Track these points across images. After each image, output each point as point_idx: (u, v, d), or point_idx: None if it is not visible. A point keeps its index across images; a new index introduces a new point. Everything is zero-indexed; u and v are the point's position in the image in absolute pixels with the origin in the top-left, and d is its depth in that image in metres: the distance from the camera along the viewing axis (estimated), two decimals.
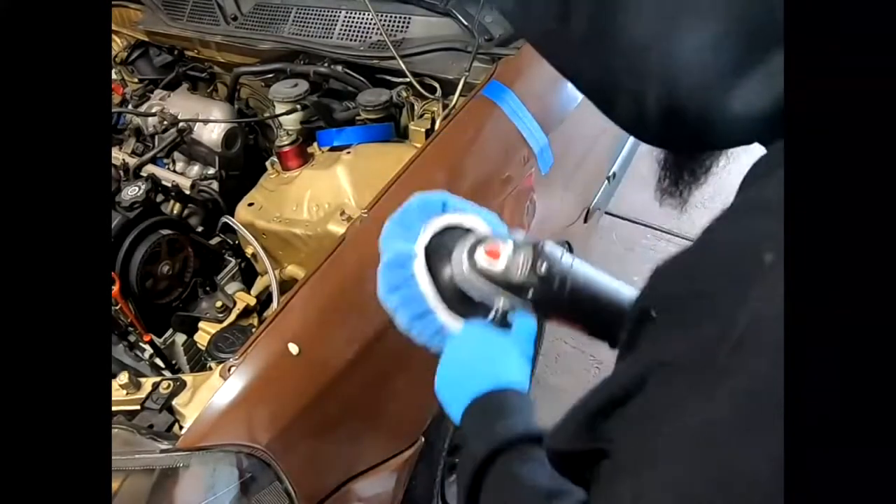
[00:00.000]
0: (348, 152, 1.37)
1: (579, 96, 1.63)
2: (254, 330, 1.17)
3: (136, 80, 1.97)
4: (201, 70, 1.90)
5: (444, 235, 0.83)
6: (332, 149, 1.44)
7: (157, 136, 1.69)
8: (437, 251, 0.81)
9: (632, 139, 2.14)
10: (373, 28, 1.61)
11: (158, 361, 1.43)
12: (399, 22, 1.60)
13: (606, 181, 1.95)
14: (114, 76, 2.05)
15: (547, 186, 1.53)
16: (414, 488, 1.28)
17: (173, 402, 1.06)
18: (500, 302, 0.77)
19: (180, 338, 1.43)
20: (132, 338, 1.46)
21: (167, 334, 1.42)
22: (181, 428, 1.04)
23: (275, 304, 1.22)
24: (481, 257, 0.76)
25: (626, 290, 0.87)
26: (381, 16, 1.59)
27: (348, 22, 1.64)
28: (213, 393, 1.01)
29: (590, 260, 0.85)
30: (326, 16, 1.66)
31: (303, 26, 1.68)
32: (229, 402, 1.00)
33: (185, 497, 0.99)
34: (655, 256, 2.68)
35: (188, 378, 1.08)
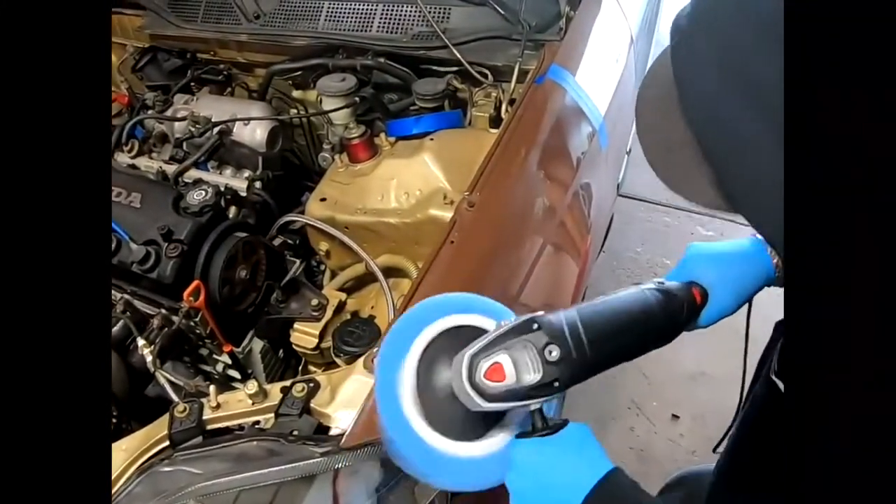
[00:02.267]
0: (431, 139, 1.36)
1: (618, 74, 1.69)
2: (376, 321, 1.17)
3: (145, 87, 1.89)
4: (217, 72, 1.83)
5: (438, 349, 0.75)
6: (402, 138, 1.42)
7: (185, 142, 1.62)
8: (430, 377, 0.74)
9: None
10: (413, 20, 1.60)
11: (233, 373, 1.39)
12: (440, 13, 1.60)
13: (626, 155, 2.00)
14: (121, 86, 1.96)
15: (595, 165, 1.57)
16: None
17: (312, 404, 1.03)
18: (531, 407, 0.70)
19: (257, 345, 1.38)
20: (204, 351, 1.40)
21: (245, 342, 1.37)
22: (328, 429, 1.00)
23: (386, 291, 1.20)
24: (485, 384, 0.67)
25: (627, 294, 0.83)
26: (424, 7, 1.59)
27: (387, 15, 1.63)
28: (363, 388, 0.98)
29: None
30: (362, 10, 1.64)
31: (338, 21, 1.65)
32: None
33: (351, 499, 0.96)
34: (653, 227, 2.82)
35: (320, 378, 1.05)
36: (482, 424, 0.74)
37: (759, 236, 0.91)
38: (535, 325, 0.69)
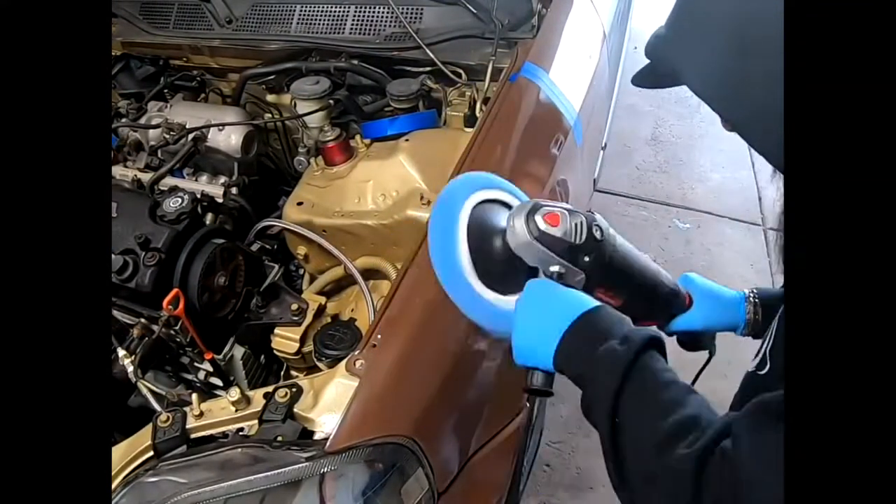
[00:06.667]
0: (407, 140, 1.36)
1: (591, 70, 1.70)
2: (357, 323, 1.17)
3: (119, 95, 1.87)
4: (190, 79, 1.82)
5: (485, 209, 0.87)
6: (377, 139, 1.43)
7: (160, 149, 1.61)
8: (482, 223, 0.85)
9: (612, 108, 2.24)
10: (385, 21, 1.60)
11: (215, 380, 1.38)
12: (413, 13, 1.60)
13: (602, 151, 2.02)
14: None
15: (571, 161, 1.58)
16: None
17: (295, 409, 1.02)
18: (555, 267, 0.80)
19: (239, 352, 1.38)
20: (185, 359, 1.39)
21: (226, 349, 1.36)
22: (312, 434, 1.00)
23: (366, 293, 1.20)
24: (541, 221, 0.79)
25: (661, 271, 0.96)
26: (396, 8, 1.59)
27: (359, 17, 1.63)
28: (347, 391, 0.98)
29: None
30: (335, 12, 1.64)
31: (310, 24, 1.65)
32: (368, 396, 0.97)
33: (338, 502, 0.96)
34: (630, 221, 2.85)
35: (303, 382, 1.04)
36: (515, 282, 0.83)
37: (744, 291, 1.06)
38: (594, 215, 0.83)
